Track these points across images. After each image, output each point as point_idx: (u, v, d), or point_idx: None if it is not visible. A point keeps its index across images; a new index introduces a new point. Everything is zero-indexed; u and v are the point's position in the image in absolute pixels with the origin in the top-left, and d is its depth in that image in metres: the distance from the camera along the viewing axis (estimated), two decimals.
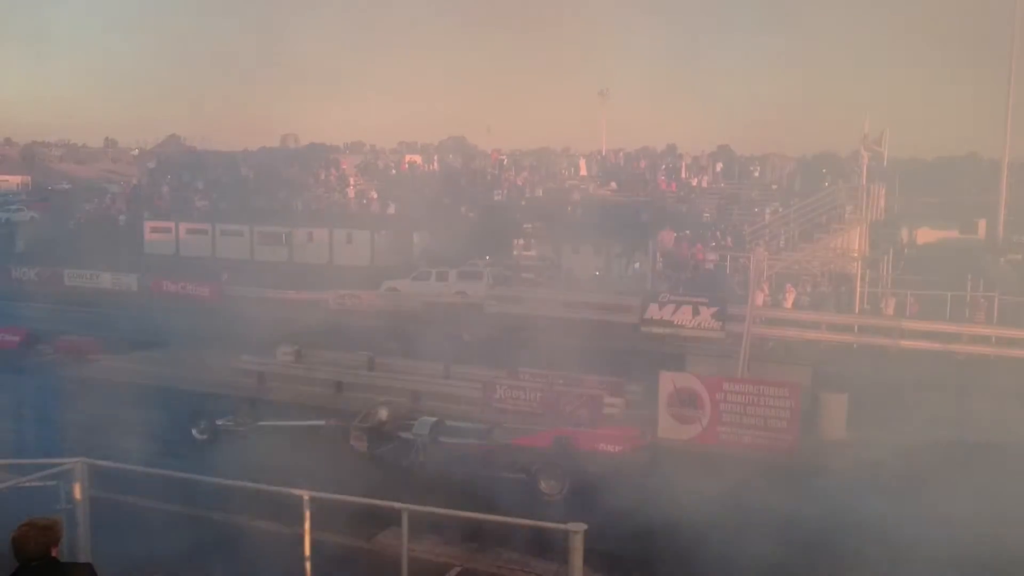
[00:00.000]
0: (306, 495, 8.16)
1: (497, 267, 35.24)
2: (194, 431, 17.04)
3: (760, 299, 25.44)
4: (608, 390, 18.68)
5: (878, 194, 32.39)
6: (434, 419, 15.87)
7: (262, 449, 15.69)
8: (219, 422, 17.14)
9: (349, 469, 14.36)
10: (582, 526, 7.19)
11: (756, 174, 44.99)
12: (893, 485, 13.93)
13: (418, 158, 55.50)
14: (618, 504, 12.72)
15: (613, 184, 45.32)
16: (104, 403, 18.16)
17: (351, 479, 12.46)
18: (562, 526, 7.30)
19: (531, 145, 63.97)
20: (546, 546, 10.97)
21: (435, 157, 54.74)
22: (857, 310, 27.37)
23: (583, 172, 48.14)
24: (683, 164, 47.22)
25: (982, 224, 40.44)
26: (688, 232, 36.34)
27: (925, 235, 40.87)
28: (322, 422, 16.67)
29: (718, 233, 36.76)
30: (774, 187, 42.18)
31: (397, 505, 7.96)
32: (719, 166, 46.45)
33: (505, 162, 51.61)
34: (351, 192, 48.70)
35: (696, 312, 27.15)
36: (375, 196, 47.18)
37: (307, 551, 8.29)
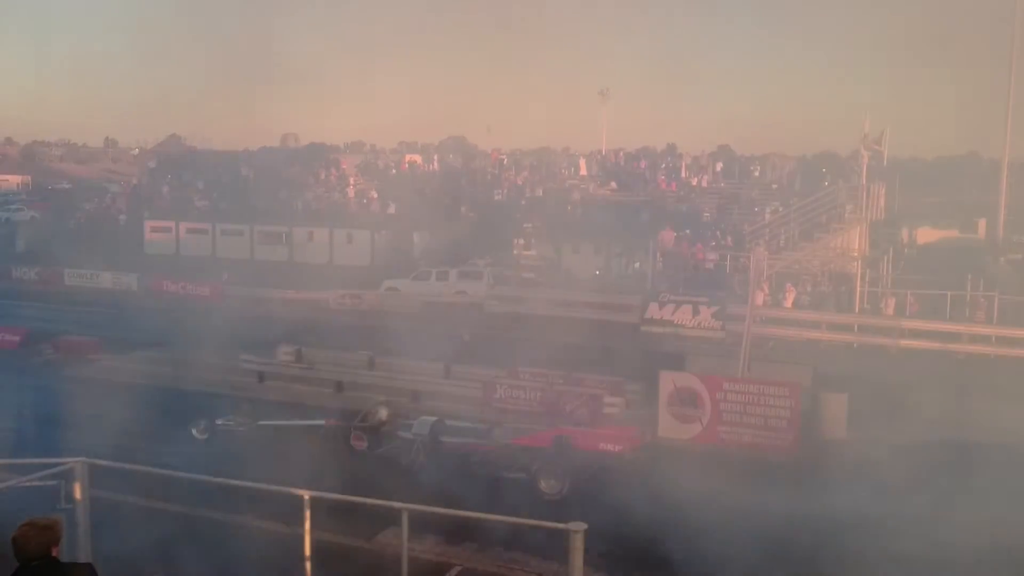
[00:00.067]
0: (306, 495, 8.16)
1: (497, 267, 35.24)
2: (194, 431, 17.05)
3: (760, 299, 25.44)
4: (608, 390, 18.68)
5: (878, 193, 32.38)
6: (434, 419, 15.88)
7: (262, 449, 15.71)
8: (219, 422, 17.16)
9: (349, 469, 14.37)
10: (582, 526, 7.19)
11: (756, 174, 44.97)
12: (893, 485, 13.92)
13: (418, 158, 55.49)
14: (618, 504, 12.73)
15: (613, 184, 45.31)
16: (104, 403, 18.15)
17: (351, 479, 12.47)
18: (562, 526, 7.30)
19: (531, 145, 63.98)
20: (546, 546, 10.97)
21: (435, 157, 54.72)
22: (857, 310, 27.39)
23: (583, 172, 48.12)
24: (683, 164, 47.21)
25: (982, 224, 40.44)
26: (688, 232, 36.34)
27: (925, 235, 40.88)
28: (322, 422, 16.69)
29: (718, 233, 36.75)
30: (774, 187, 42.16)
31: (397, 505, 7.96)
32: (719, 166, 46.43)
33: (505, 162, 51.60)
34: (351, 192, 48.70)
35: (696, 312, 27.19)
36: (375, 196, 47.18)
37: (307, 551, 8.29)
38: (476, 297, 32.32)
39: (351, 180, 50.25)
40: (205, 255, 43.82)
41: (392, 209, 45.05)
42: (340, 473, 13.57)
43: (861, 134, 28.44)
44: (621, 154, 51.28)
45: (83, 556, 8.26)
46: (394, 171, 52.42)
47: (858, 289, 27.54)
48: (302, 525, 8.22)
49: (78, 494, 8.54)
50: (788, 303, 27.86)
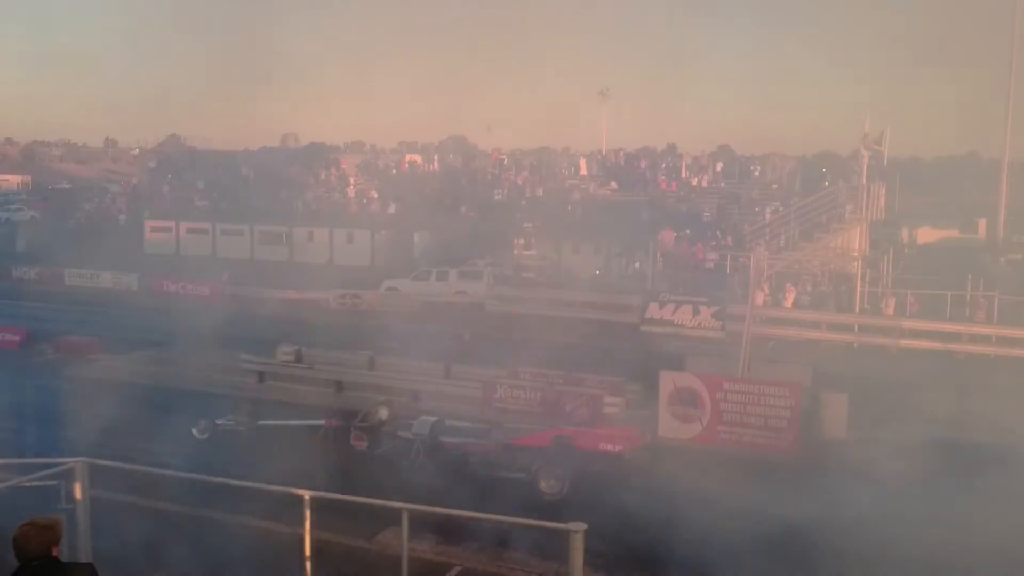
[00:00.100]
0: (307, 495, 8.16)
1: (497, 267, 35.25)
2: (194, 430, 17.05)
3: (760, 298, 25.45)
4: (608, 389, 18.67)
5: (878, 193, 32.40)
6: (434, 419, 15.88)
7: (262, 448, 15.71)
8: (219, 422, 17.16)
9: (349, 468, 14.37)
10: (582, 526, 7.19)
11: (756, 174, 44.97)
12: (893, 485, 13.92)
13: (418, 158, 55.52)
14: (618, 503, 12.73)
15: (613, 184, 45.32)
16: (104, 403, 18.15)
17: (351, 479, 12.48)
18: (562, 526, 7.30)
19: (531, 145, 64.03)
20: (546, 546, 10.97)
21: (435, 157, 54.74)
22: (857, 309, 27.39)
23: (583, 172, 48.13)
24: (683, 164, 47.22)
25: (982, 224, 40.47)
26: (688, 232, 36.34)
27: (925, 235, 40.91)
28: (322, 422, 16.68)
29: (718, 233, 36.75)
30: (774, 186, 42.17)
31: (397, 505, 7.96)
32: (719, 166, 46.44)
33: (505, 162, 51.62)
34: (351, 192, 48.72)
35: (696, 312, 27.18)
36: (375, 196, 47.20)
37: (307, 551, 8.29)
38: (476, 297, 32.33)
39: (351, 180, 50.27)
40: (205, 255, 43.84)
41: (392, 209, 45.07)
42: (340, 473, 13.59)
43: (861, 134, 28.45)
44: (621, 154, 51.29)
45: (83, 556, 8.26)
46: (394, 171, 52.44)
47: (858, 289, 27.54)
48: (302, 525, 8.23)
49: (78, 494, 8.54)
50: (788, 303, 27.86)
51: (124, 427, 15.61)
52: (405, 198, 45.58)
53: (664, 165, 47.72)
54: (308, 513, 8.18)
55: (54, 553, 5.17)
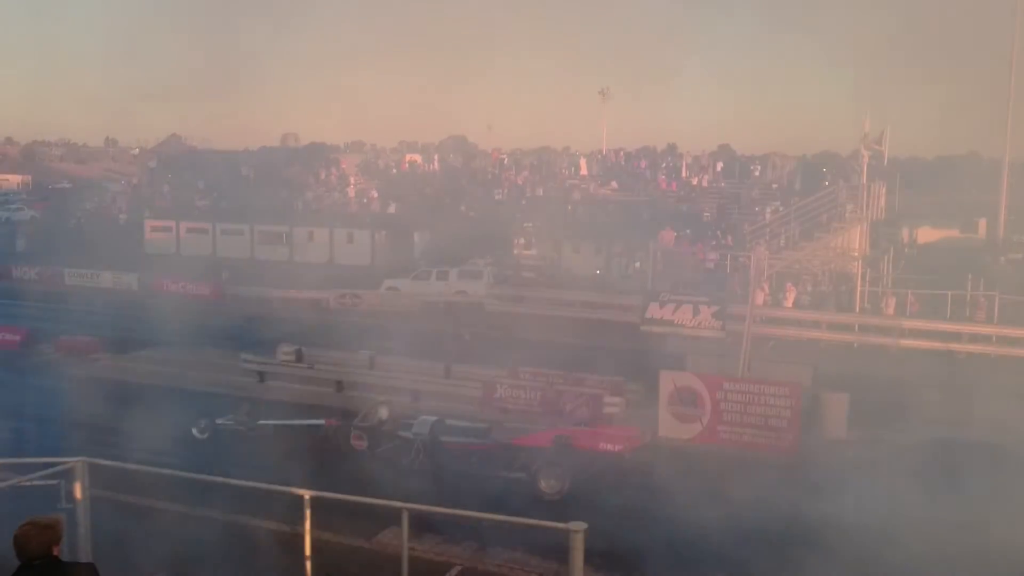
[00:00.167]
0: (307, 494, 8.15)
1: (497, 266, 35.24)
2: (194, 430, 17.06)
3: (760, 298, 25.43)
4: (608, 389, 18.68)
5: (879, 193, 32.38)
6: (434, 419, 15.89)
7: (262, 448, 15.72)
8: (219, 421, 17.18)
9: (349, 468, 14.37)
10: (583, 525, 7.18)
11: (756, 173, 44.95)
12: (893, 485, 13.92)
13: (418, 157, 55.50)
14: (619, 503, 12.73)
15: (614, 183, 45.32)
16: (104, 402, 18.17)
17: (351, 479, 12.47)
18: (563, 525, 7.29)
19: (532, 144, 64.09)
20: (546, 546, 10.97)
21: (435, 156, 54.73)
22: (858, 309, 27.35)
23: (584, 171, 48.13)
24: (684, 163, 47.21)
25: (983, 223, 40.42)
26: (688, 232, 36.33)
27: (926, 234, 40.86)
28: (322, 421, 16.70)
29: (718, 232, 36.74)
30: (775, 186, 42.15)
31: (397, 504, 7.95)
32: (719, 165, 46.43)
33: (506, 161, 51.62)
34: (351, 191, 48.71)
35: (696, 311, 27.09)
36: (375, 195, 47.19)
37: (307, 550, 8.29)
38: (476, 297, 32.31)
39: (351, 180, 50.26)
40: (205, 254, 43.85)
41: (392, 209, 45.06)
42: (340, 472, 13.59)
43: (861, 134, 28.43)
44: (621, 154, 51.29)
45: (83, 556, 8.26)
46: (394, 171, 52.42)
47: (858, 289, 27.50)
48: (302, 525, 8.22)
49: (78, 494, 8.53)
50: (788, 303, 27.83)
51: (124, 427, 15.61)
52: (405, 198, 45.58)
53: (664, 165, 47.71)
54: (308, 513, 8.17)
55: (55, 553, 5.16)
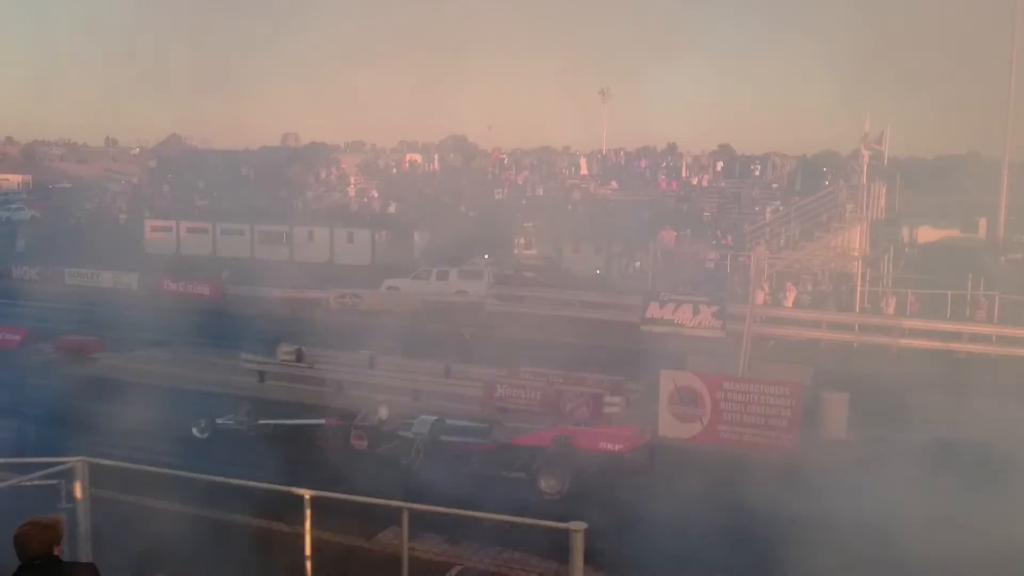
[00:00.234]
0: (307, 494, 8.15)
1: (498, 266, 35.23)
2: (194, 430, 17.07)
3: (761, 298, 25.43)
4: (609, 389, 18.68)
5: (879, 193, 32.38)
6: (434, 418, 15.89)
7: (262, 447, 15.72)
8: (219, 421, 17.18)
9: (349, 468, 14.36)
10: (583, 525, 7.18)
11: (757, 173, 44.97)
12: (894, 485, 13.92)
13: (419, 157, 55.51)
14: (619, 503, 12.72)
15: (614, 183, 45.32)
16: (104, 402, 18.17)
17: (351, 478, 12.47)
18: (563, 525, 7.29)
19: (532, 144, 64.13)
20: (546, 546, 10.97)
21: (436, 156, 54.74)
22: (858, 309, 27.36)
23: (584, 171, 48.15)
24: (684, 163, 47.23)
25: (983, 223, 40.37)
26: (688, 231, 36.34)
27: (926, 234, 40.81)
28: (322, 421, 16.70)
29: (718, 232, 36.74)
30: (775, 186, 42.17)
31: (397, 504, 7.96)
32: (720, 165, 46.44)
33: (506, 161, 51.64)
34: (352, 191, 48.72)
35: (696, 311, 27.13)
36: (376, 195, 47.20)
37: (308, 550, 8.29)
38: (476, 296, 32.31)
39: (351, 179, 50.26)
40: (206, 254, 43.85)
41: (393, 208, 45.05)
42: (340, 472, 13.59)
43: (861, 134, 28.44)
44: (621, 153, 51.31)
45: (84, 556, 8.26)
46: (394, 170, 52.43)
47: (859, 288, 27.50)
48: (302, 524, 8.22)
49: (78, 493, 8.53)
50: (788, 302, 27.83)
51: (124, 426, 15.61)
52: (405, 197, 45.57)
53: (664, 164, 47.73)
54: (308, 513, 8.17)
55: (55, 552, 5.16)
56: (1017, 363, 23.15)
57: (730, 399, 16.84)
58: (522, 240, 39.59)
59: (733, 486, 14.08)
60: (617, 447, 14.70)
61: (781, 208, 35.18)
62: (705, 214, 39.91)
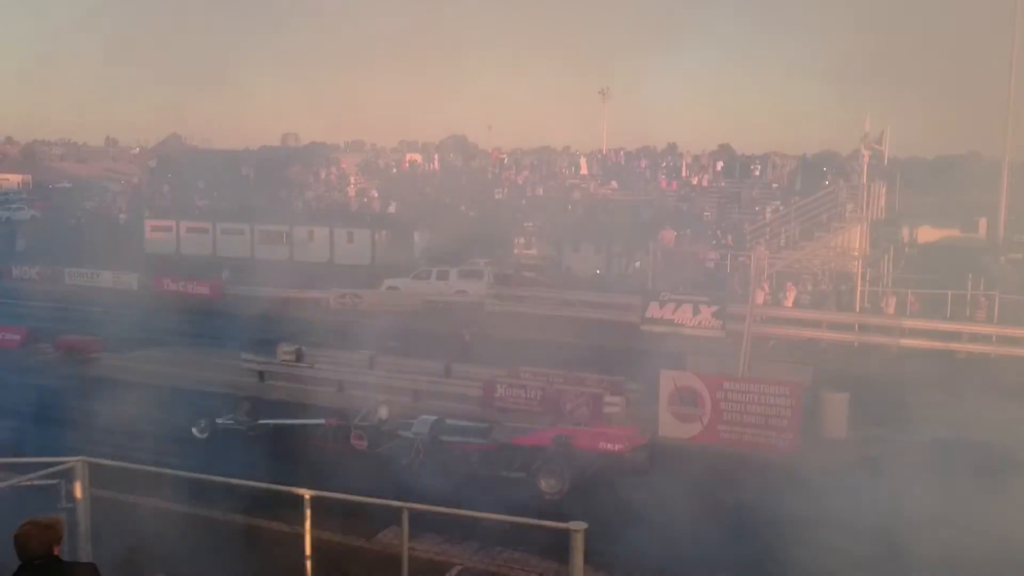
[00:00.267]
0: (307, 494, 8.15)
1: (498, 266, 35.24)
2: (194, 429, 17.07)
3: (761, 298, 25.43)
4: (609, 389, 18.68)
5: (879, 193, 32.39)
6: (434, 418, 15.89)
7: (262, 447, 15.71)
8: (219, 420, 17.18)
9: (349, 467, 14.36)
10: (583, 525, 7.18)
11: (757, 173, 44.96)
12: (893, 485, 13.92)
13: (418, 157, 55.52)
14: (619, 503, 12.72)
15: (614, 183, 45.33)
16: (104, 402, 18.16)
17: (351, 478, 12.47)
18: (563, 525, 7.29)
19: (532, 144, 64.16)
20: (546, 546, 10.97)
21: (436, 156, 54.75)
22: (858, 309, 27.35)
23: (584, 171, 48.15)
24: (684, 163, 47.22)
25: (983, 223, 40.41)
26: (689, 231, 36.34)
27: (926, 234, 40.85)
28: (322, 421, 16.70)
29: (719, 232, 36.75)
30: (775, 186, 42.17)
31: (397, 504, 7.96)
32: (720, 165, 46.43)
33: (506, 161, 51.63)
34: (352, 191, 48.72)
35: (696, 311, 27.14)
36: (376, 195, 47.19)
37: (308, 550, 8.29)
38: (476, 296, 32.31)
39: (351, 179, 50.26)
40: (206, 254, 43.84)
41: (393, 208, 45.06)
42: (340, 472, 13.59)
43: (861, 134, 28.43)
44: (622, 153, 51.31)
45: (84, 556, 8.26)
46: (394, 170, 52.43)
47: (859, 288, 27.50)
48: (302, 524, 8.22)
49: (78, 493, 8.53)
50: (788, 302, 27.83)
51: (124, 426, 15.61)
52: (405, 197, 45.57)
53: (664, 164, 47.72)
54: (308, 512, 8.18)
55: (56, 552, 5.16)
56: (1017, 363, 23.16)
57: (730, 399, 16.84)
58: (522, 240, 39.60)
59: (733, 486, 14.08)
60: (617, 447, 14.70)
61: (781, 208, 35.17)
62: (705, 214, 39.92)
